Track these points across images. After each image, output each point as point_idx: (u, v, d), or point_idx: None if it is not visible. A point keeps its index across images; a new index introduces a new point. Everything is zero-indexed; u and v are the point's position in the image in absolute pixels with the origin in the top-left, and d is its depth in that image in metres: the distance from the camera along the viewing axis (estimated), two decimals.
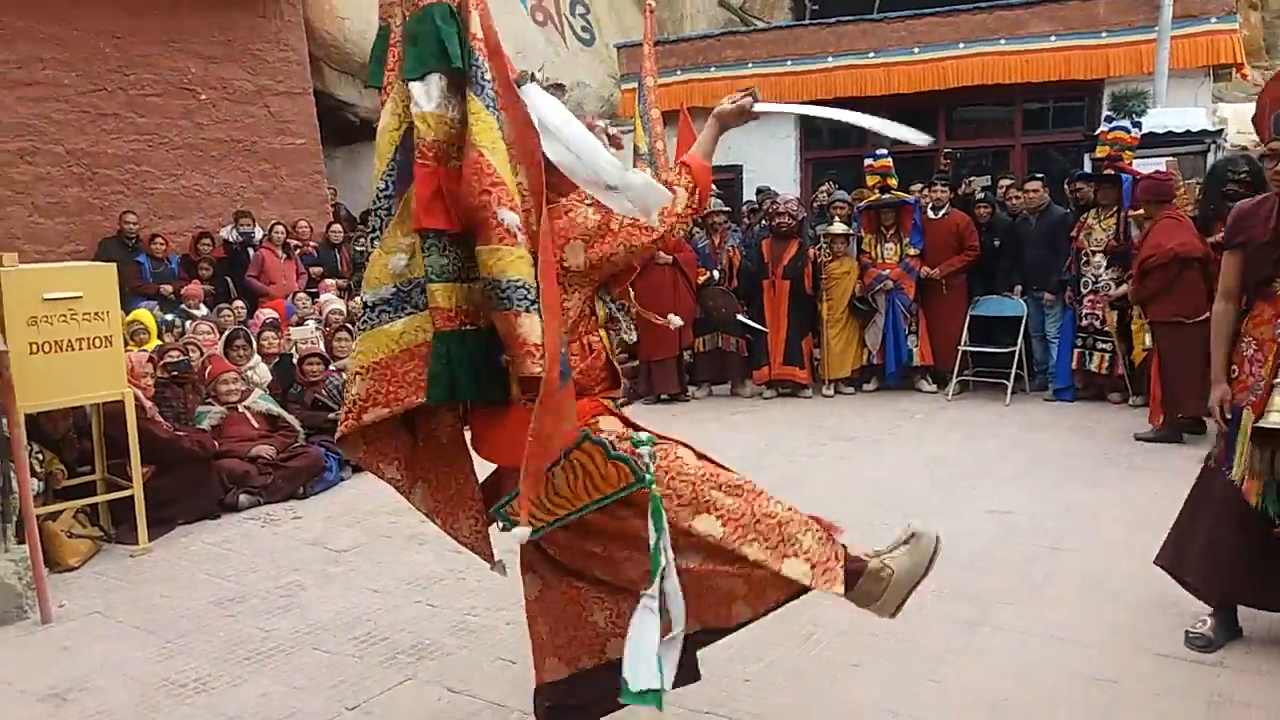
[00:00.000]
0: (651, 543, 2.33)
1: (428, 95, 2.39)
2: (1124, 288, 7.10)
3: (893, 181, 8.58)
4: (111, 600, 4.58)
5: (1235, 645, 3.59)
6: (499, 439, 2.57)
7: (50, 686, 3.68)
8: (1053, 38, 10.71)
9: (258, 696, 3.53)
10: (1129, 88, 10.29)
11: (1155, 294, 6.59)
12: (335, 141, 13.51)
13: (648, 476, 2.38)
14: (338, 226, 11.41)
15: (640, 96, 9.04)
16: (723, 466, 2.62)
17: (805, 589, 2.57)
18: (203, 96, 10.90)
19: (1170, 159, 8.41)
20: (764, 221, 9.10)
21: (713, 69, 12.62)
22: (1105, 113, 8.95)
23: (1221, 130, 9.64)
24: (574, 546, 2.60)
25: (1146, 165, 7.94)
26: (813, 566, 2.53)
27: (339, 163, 14.08)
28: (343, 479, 6.53)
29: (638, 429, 2.57)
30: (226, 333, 6.96)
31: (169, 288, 9.41)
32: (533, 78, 2.59)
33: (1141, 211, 7.12)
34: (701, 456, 2.59)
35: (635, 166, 8.90)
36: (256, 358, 6.92)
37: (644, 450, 2.44)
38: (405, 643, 3.93)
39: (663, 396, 8.81)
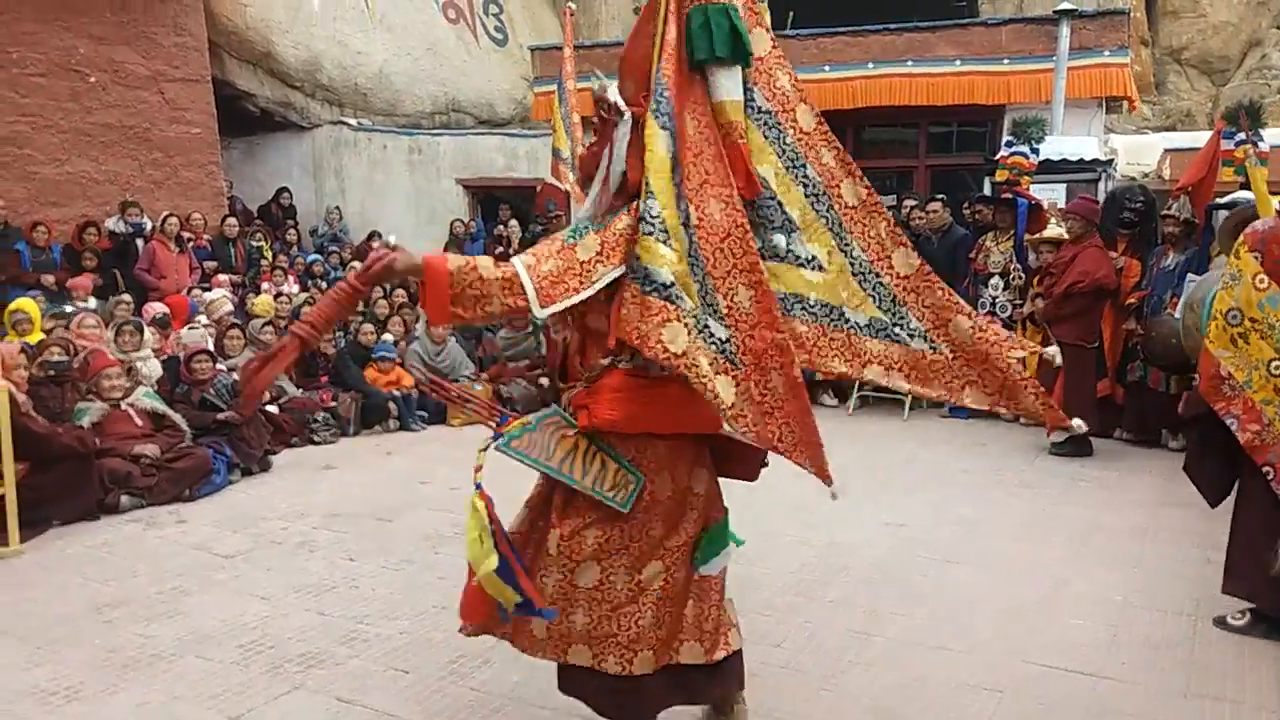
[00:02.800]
0: None
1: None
2: (1037, 303, 7.24)
3: None
4: None
5: (1112, 656, 3.72)
6: None
7: None
8: (958, 62, 11.03)
9: (134, 706, 3.37)
10: (1028, 114, 10.65)
11: (1068, 316, 6.86)
12: (233, 132, 13.10)
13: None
14: (233, 220, 11.04)
15: (561, 99, 9.00)
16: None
17: None
18: (92, 79, 10.43)
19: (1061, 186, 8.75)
20: None
21: None
22: (1006, 138, 9.24)
23: (1112, 160, 10.07)
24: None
25: (1042, 191, 8.23)
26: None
27: (236, 154, 13.66)
28: (231, 482, 6.30)
29: None
30: (117, 322, 6.66)
31: (50, 278, 8.95)
32: None
33: (1046, 234, 7.36)
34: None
35: (555, 169, 8.86)
36: (147, 350, 6.64)
37: None
38: (293, 651, 3.80)
39: None
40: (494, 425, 2.61)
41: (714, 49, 2.56)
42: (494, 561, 2.45)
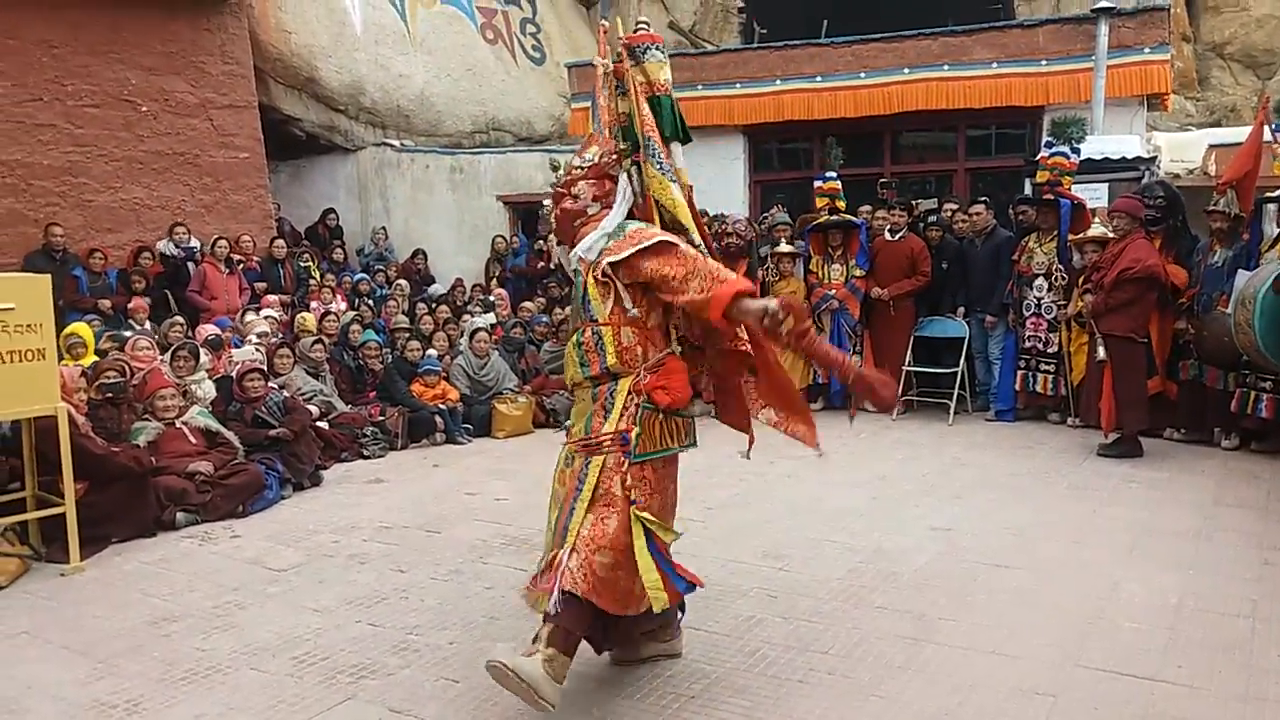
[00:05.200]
0: None
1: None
2: (1088, 298, 7.05)
3: (841, 204, 8.69)
4: (40, 620, 4.44)
5: (1168, 660, 3.66)
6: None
7: None
8: (994, 65, 10.94)
9: (192, 718, 3.44)
10: (1068, 114, 10.53)
11: (1119, 307, 6.72)
12: (280, 156, 13.35)
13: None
14: (281, 242, 11.26)
15: (594, 116, 9.08)
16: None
17: None
18: (143, 108, 10.70)
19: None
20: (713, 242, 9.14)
21: None
22: (1045, 138, 9.14)
23: (1155, 157, 9.91)
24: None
25: (1084, 190, 8.14)
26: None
27: (283, 177, 13.92)
28: (284, 497, 6.42)
29: None
30: (173, 346, 6.82)
31: (107, 302, 9.19)
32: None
33: (1090, 233, 7.27)
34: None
35: None
36: (202, 372, 6.79)
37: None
38: (346, 662, 3.86)
39: None
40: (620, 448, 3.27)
41: (677, 130, 3.49)
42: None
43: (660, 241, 3.26)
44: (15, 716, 3.49)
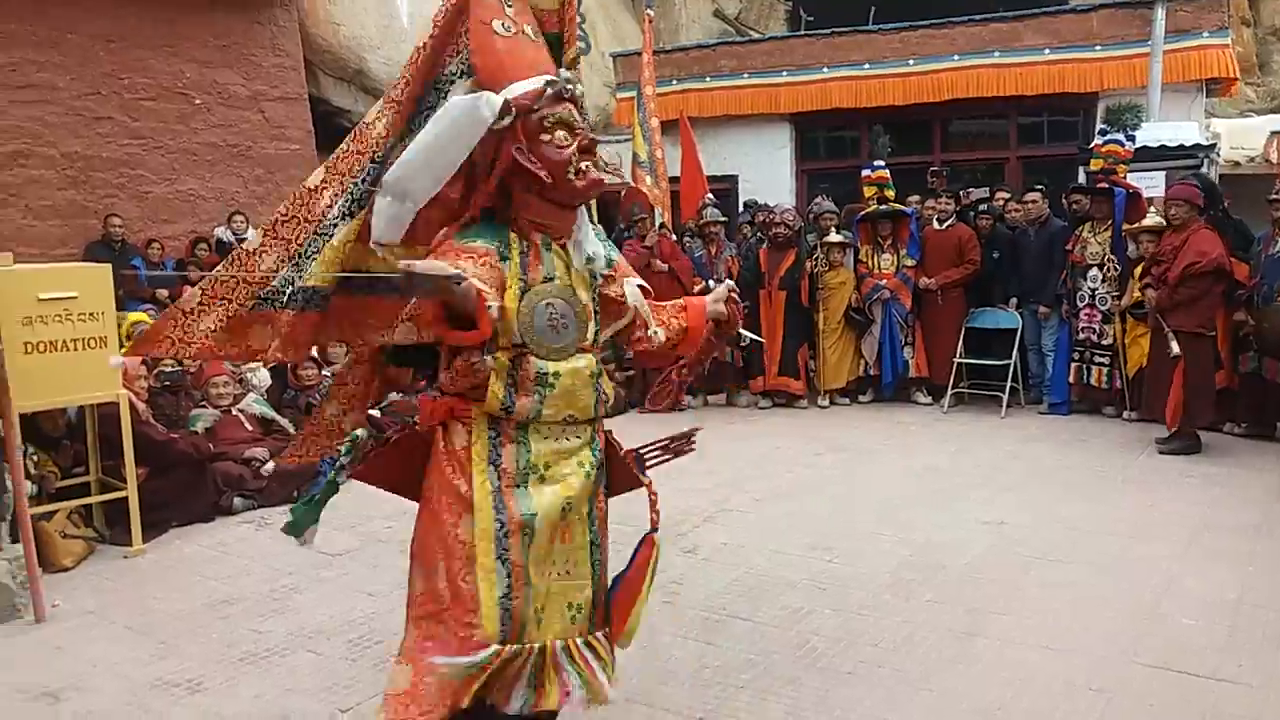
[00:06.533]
0: None
1: None
2: (1150, 292, 6.84)
3: (890, 193, 8.60)
4: (105, 601, 4.56)
5: (1227, 657, 3.60)
6: None
7: (43, 685, 3.67)
8: (1047, 51, 10.76)
9: (251, 698, 3.52)
10: (1123, 101, 10.34)
11: (1186, 302, 6.53)
12: (329, 147, 13.39)
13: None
14: None
15: (639, 105, 9.09)
16: None
17: None
18: (197, 101, 10.89)
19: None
20: (758, 232, 9.12)
21: (708, 79, 12.64)
22: (1099, 126, 8.98)
23: (1214, 145, 9.70)
24: None
25: (1140, 179, 7.98)
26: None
27: None
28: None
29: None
30: None
31: (165, 292, 9.39)
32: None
33: (1146, 223, 7.13)
34: None
35: (634, 174, 8.98)
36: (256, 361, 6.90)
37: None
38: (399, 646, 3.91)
39: None
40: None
41: None
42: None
43: None
44: (82, 694, 3.60)
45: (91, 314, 4.92)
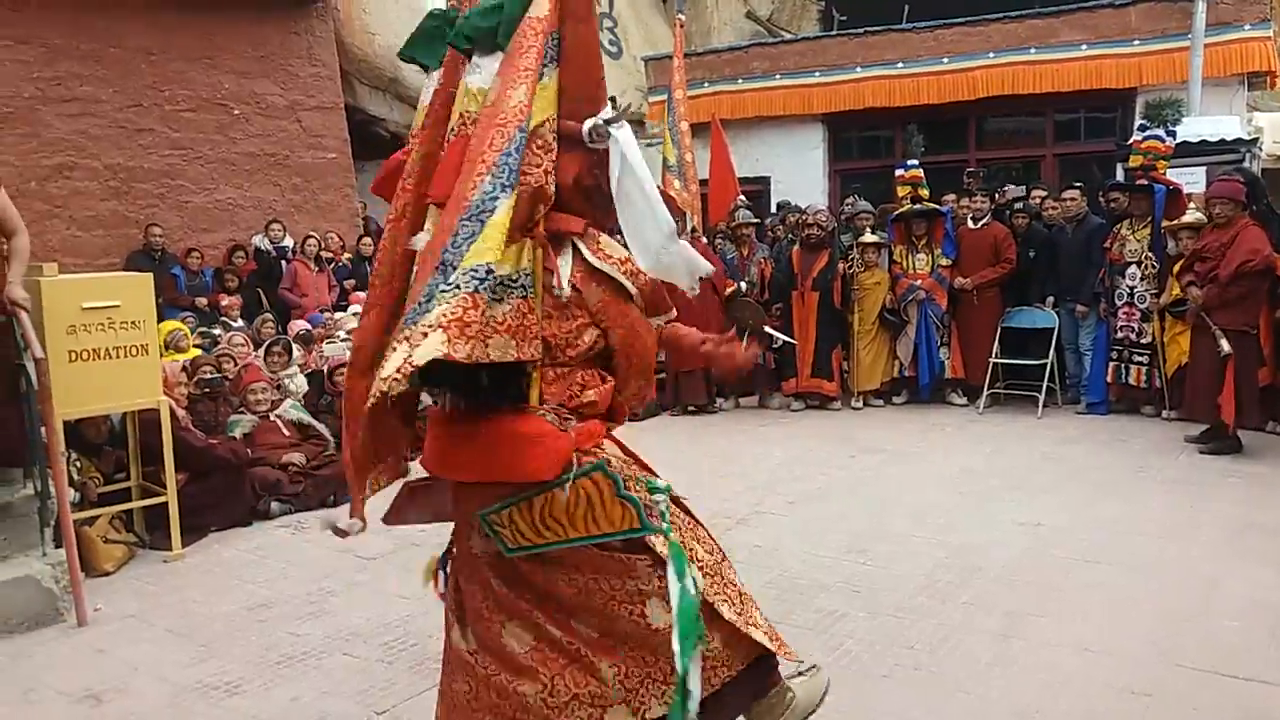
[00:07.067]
0: (675, 598, 2.28)
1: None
2: (1194, 290, 6.64)
3: (924, 192, 8.53)
4: (146, 604, 4.64)
5: (1272, 660, 3.53)
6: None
7: (85, 688, 3.74)
8: (1084, 46, 10.63)
9: (289, 700, 3.57)
10: (1162, 96, 10.19)
11: (1233, 300, 6.40)
12: (366, 155, 13.64)
13: (654, 524, 2.34)
14: (368, 239, 11.49)
15: (669, 109, 9.10)
16: (693, 516, 2.60)
17: (763, 660, 2.52)
18: (236, 111, 11.05)
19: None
20: (790, 233, 9.08)
21: (741, 80, 12.63)
22: (1139, 121, 8.85)
23: (1257, 139, 9.52)
24: (538, 580, 2.44)
25: (1181, 175, 7.85)
26: (770, 638, 2.51)
27: (369, 176, 14.18)
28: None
29: (652, 472, 2.53)
30: (268, 341, 7.03)
31: (204, 300, 9.54)
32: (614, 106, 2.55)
33: (1185, 219, 7.00)
34: (675, 500, 2.53)
35: (663, 178, 8.97)
36: (294, 366, 7.00)
37: (659, 498, 2.40)
38: (434, 649, 3.93)
39: (690, 408, 8.80)
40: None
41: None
42: None
43: None
44: (123, 696, 3.66)
45: (133, 322, 5.03)
